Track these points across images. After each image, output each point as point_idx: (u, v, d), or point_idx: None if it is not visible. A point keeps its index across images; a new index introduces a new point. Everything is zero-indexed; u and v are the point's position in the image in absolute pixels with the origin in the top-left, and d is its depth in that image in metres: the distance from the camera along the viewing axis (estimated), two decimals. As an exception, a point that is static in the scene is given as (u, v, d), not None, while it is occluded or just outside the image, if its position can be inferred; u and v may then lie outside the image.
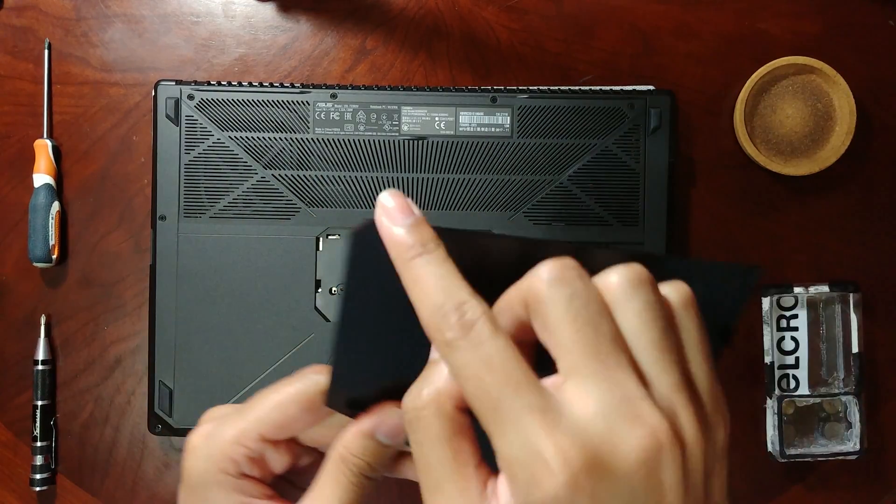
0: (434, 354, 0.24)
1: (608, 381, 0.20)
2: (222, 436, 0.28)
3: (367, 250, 0.25)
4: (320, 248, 0.51)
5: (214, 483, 0.28)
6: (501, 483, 0.21)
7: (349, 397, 0.28)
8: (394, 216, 0.23)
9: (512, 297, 0.22)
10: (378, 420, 0.27)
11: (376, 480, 0.28)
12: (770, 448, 0.54)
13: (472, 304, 0.21)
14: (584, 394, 0.20)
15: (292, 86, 0.52)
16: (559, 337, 0.21)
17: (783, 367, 0.55)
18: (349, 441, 0.27)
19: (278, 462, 0.29)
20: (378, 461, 0.27)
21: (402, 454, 0.30)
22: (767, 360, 0.54)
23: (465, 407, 0.22)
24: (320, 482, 0.27)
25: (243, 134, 0.51)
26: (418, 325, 0.23)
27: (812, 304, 0.55)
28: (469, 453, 0.22)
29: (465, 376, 0.21)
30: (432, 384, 0.22)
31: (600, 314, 0.21)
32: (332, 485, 0.27)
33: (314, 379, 0.28)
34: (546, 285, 0.21)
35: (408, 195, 0.51)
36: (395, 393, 0.26)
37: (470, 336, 0.21)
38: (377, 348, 0.27)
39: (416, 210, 0.23)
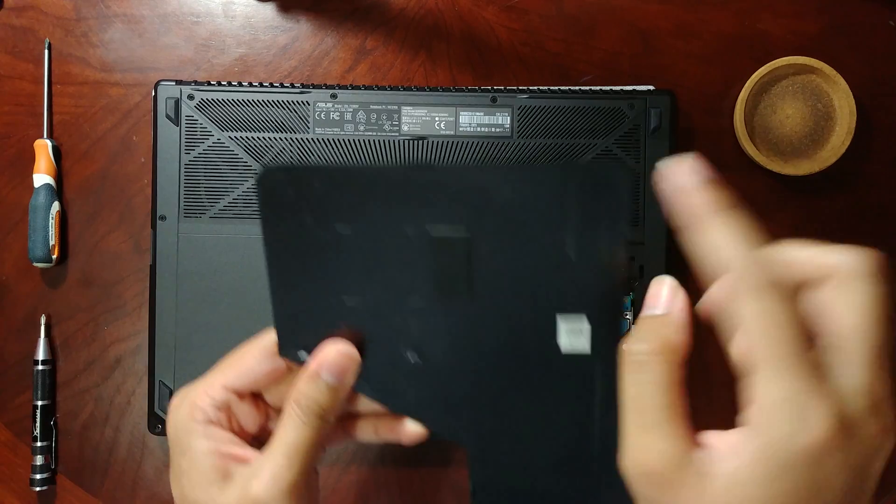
0: (648, 311, 0.26)
1: (879, 370, 0.23)
2: (193, 389, 0.31)
3: (276, 195, 0.27)
4: (320, 248, 0.51)
5: (187, 431, 0.30)
6: (723, 440, 0.23)
7: (298, 345, 0.30)
8: (692, 173, 0.25)
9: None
10: (319, 360, 0.29)
11: (331, 423, 0.30)
12: (770, 448, 0.54)
13: (778, 263, 0.23)
14: (851, 375, 0.23)
15: (292, 86, 0.52)
16: (845, 327, 0.23)
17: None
18: (299, 385, 0.29)
19: (249, 418, 0.32)
20: (329, 402, 0.30)
21: (353, 417, 0.33)
22: (767, 360, 0.54)
23: (686, 362, 0.24)
24: (279, 427, 0.30)
25: (243, 134, 0.51)
26: (338, 269, 0.26)
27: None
28: (685, 404, 0.24)
29: (762, 321, 0.23)
30: (663, 333, 0.25)
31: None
32: (289, 428, 0.29)
33: (269, 334, 0.31)
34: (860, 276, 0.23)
35: (408, 195, 0.51)
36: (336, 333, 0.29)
37: (776, 292, 0.23)
38: (307, 294, 0.29)
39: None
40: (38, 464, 0.54)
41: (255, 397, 0.33)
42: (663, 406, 0.24)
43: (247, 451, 0.30)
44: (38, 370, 0.54)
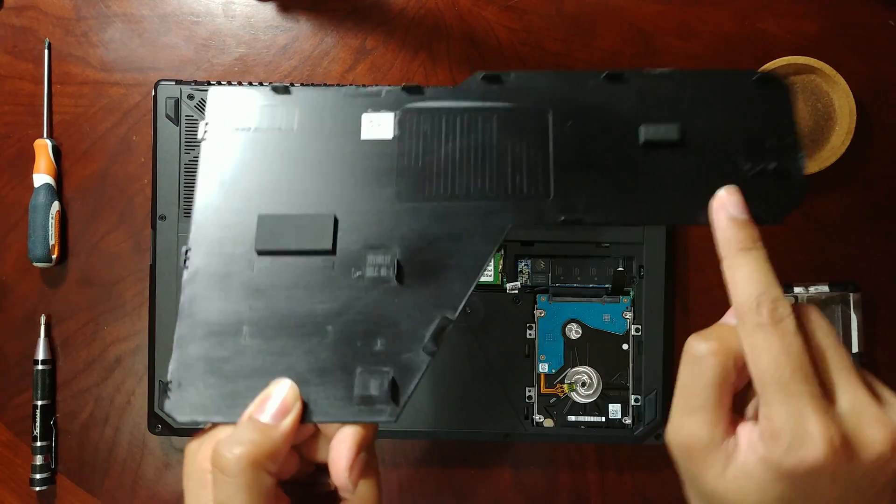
0: (728, 318, 0.29)
1: (862, 392, 0.26)
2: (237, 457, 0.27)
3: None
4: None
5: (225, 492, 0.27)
6: (747, 434, 0.27)
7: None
8: (733, 209, 0.29)
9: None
10: (259, 403, 0.27)
11: (274, 473, 0.27)
12: (770, 448, 0.54)
13: (784, 303, 0.27)
14: (849, 397, 0.26)
15: (292, 85, 0.52)
16: (834, 359, 0.27)
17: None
18: (225, 440, 0.27)
19: (285, 471, 0.29)
20: (268, 448, 0.27)
21: (313, 438, 0.30)
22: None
23: (739, 367, 0.27)
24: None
25: (243, 134, 0.51)
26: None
27: (812, 304, 0.55)
28: (729, 401, 0.27)
29: (765, 353, 0.26)
30: (723, 339, 0.28)
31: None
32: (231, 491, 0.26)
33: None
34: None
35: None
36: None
37: (779, 327, 0.26)
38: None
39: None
40: (38, 464, 0.54)
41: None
42: (706, 397, 0.27)
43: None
44: (38, 370, 0.54)
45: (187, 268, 0.30)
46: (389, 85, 0.32)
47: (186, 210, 0.51)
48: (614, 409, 0.51)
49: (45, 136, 0.55)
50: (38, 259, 0.53)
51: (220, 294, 0.29)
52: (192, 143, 0.51)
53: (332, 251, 0.30)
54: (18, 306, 0.55)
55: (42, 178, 0.54)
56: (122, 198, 0.55)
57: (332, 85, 0.26)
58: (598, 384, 0.51)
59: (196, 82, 0.52)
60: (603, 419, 0.51)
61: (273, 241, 0.30)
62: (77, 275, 0.55)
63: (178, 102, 0.51)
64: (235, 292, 0.30)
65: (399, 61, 0.55)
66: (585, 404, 0.51)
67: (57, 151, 0.55)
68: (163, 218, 0.51)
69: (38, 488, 0.54)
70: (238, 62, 0.55)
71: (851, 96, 0.52)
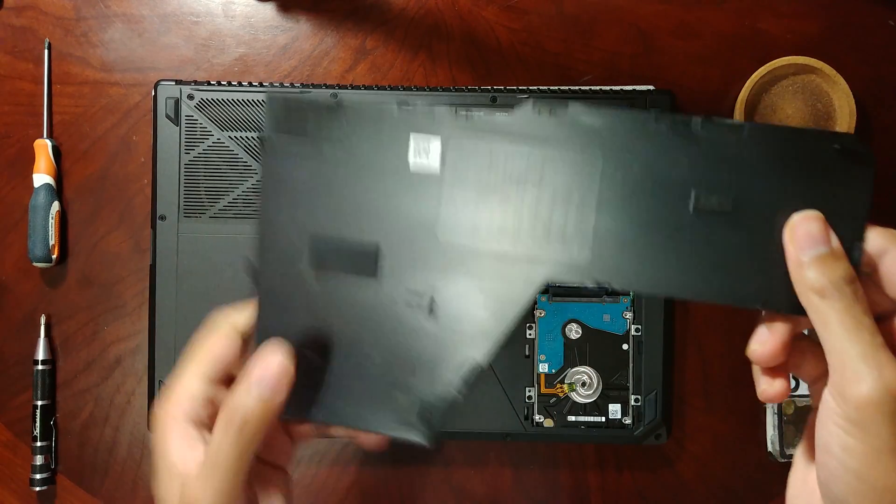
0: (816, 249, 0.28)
1: None
2: (174, 385, 0.31)
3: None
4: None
5: (163, 431, 0.30)
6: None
7: (277, 332, 0.30)
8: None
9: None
10: (255, 371, 0.29)
11: (257, 439, 0.29)
12: (770, 448, 0.54)
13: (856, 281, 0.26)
14: None
15: (292, 85, 0.52)
16: None
17: (783, 367, 0.55)
18: (231, 396, 0.29)
19: None
20: (257, 418, 0.29)
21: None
22: (767, 360, 0.54)
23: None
24: (214, 430, 0.29)
25: (243, 134, 0.51)
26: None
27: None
28: (874, 325, 0.26)
29: (837, 311, 0.26)
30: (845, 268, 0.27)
31: None
32: (216, 440, 0.28)
33: (226, 313, 0.32)
34: None
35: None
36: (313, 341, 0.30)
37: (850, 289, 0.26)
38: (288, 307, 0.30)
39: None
40: (38, 464, 0.54)
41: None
42: (856, 327, 0.26)
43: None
44: (38, 370, 0.54)
45: (256, 282, 0.31)
46: (440, 89, 0.30)
47: (186, 210, 0.51)
48: (614, 409, 0.51)
49: (45, 136, 0.55)
50: (38, 259, 0.53)
51: (276, 309, 0.31)
52: (192, 143, 0.51)
53: (375, 277, 0.30)
54: (18, 306, 0.55)
55: (42, 178, 0.54)
56: (122, 198, 0.55)
57: (387, 91, 0.26)
58: (598, 384, 0.51)
59: (196, 82, 0.52)
60: (603, 419, 0.51)
61: (322, 263, 0.31)
62: (77, 275, 0.55)
63: (178, 102, 0.51)
64: (290, 306, 0.31)
65: (399, 61, 0.55)
66: (585, 404, 0.51)
67: (57, 151, 0.55)
68: (163, 218, 0.51)
69: (38, 488, 0.54)
70: (238, 62, 0.55)
71: (851, 96, 0.52)
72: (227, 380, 0.31)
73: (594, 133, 0.29)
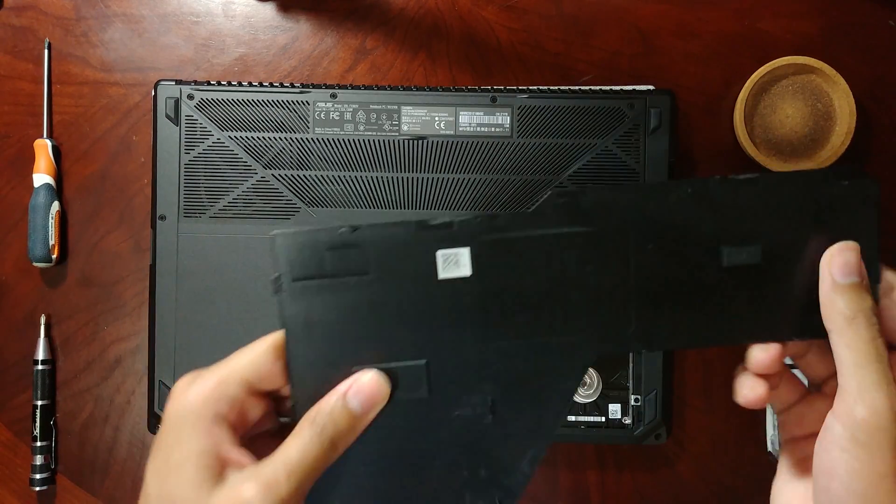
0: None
1: None
2: (206, 378, 0.29)
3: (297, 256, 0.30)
4: (320, 248, 0.51)
5: (190, 423, 0.29)
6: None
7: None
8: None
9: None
10: (352, 385, 0.29)
11: (340, 451, 0.29)
12: (770, 448, 0.54)
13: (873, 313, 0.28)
14: None
15: (292, 86, 0.52)
16: None
17: (783, 367, 0.55)
18: (323, 403, 0.29)
19: (255, 417, 0.31)
20: (346, 428, 0.29)
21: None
22: (767, 360, 0.54)
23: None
24: (289, 438, 0.29)
25: (243, 134, 0.51)
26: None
27: None
28: (887, 357, 0.28)
29: (862, 338, 0.28)
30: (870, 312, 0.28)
31: None
32: (298, 444, 0.28)
33: (278, 333, 0.31)
34: None
35: (408, 195, 0.51)
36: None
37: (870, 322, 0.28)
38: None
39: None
40: (38, 464, 0.54)
41: (264, 396, 0.32)
42: (872, 349, 0.28)
43: (244, 458, 0.29)
44: (37, 370, 0.54)
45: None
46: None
47: (186, 210, 0.51)
48: (614, 409, 0.51)
49: (45, 136, 0.55)
50: (38, 259, 0.53)
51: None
52: (192, 143, 0.51)
53: (428, 395, 0.31)
54: (18, 306, 0.55)
55: (42, 178, 0.54)
56: (122, 198, 0.55)
57: (400, 220, 0.26)
58: (597, 384, 0.51)
59: (196, 82, 0.52)
60: (603, 419, 0.51)
61: None
62: (77, 275, 0.55)
63: (178, 102, 0.51)
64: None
65: (399, 61, 0.55)
66: (585, 404, 0.51)
67: (57, 151, 0.55)
68: (163, 218, 0.51)
69: (37, 488, 0.54)
70: (238, 62, 0.55)
71: (851, 96, 0.52)
72: (258, 393, 0.31)
73: (619, 211, 0.30)
